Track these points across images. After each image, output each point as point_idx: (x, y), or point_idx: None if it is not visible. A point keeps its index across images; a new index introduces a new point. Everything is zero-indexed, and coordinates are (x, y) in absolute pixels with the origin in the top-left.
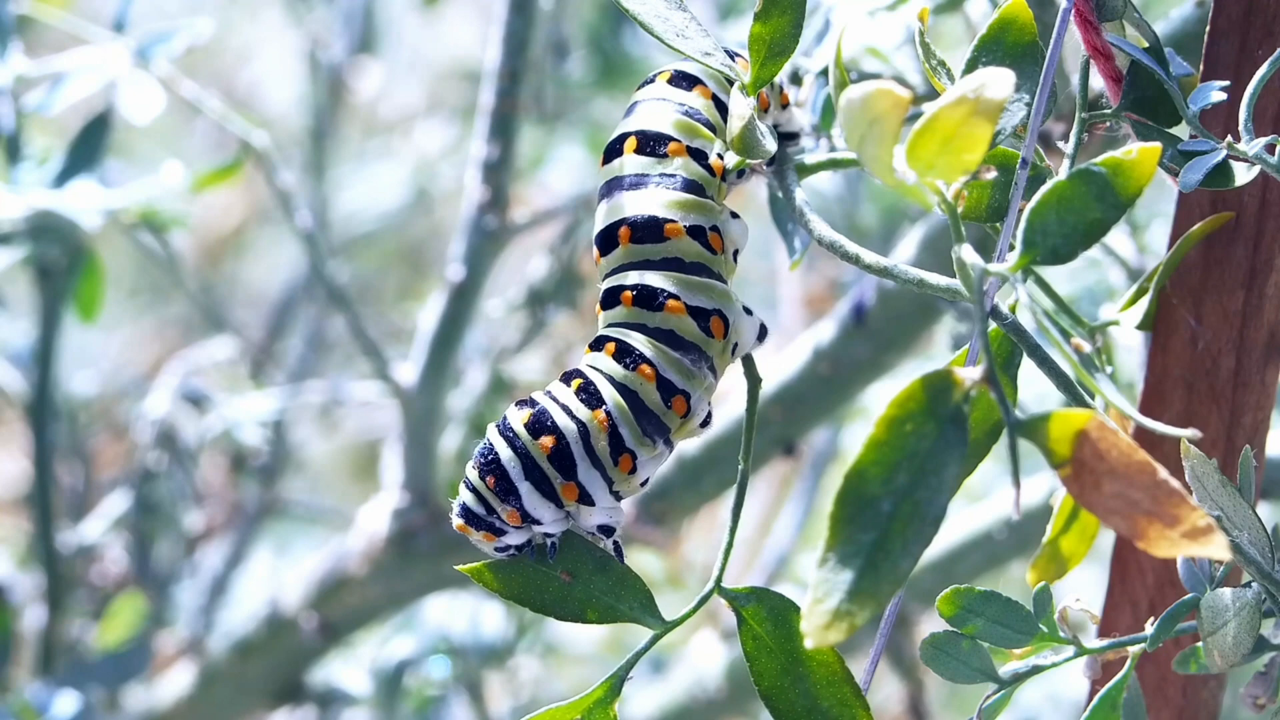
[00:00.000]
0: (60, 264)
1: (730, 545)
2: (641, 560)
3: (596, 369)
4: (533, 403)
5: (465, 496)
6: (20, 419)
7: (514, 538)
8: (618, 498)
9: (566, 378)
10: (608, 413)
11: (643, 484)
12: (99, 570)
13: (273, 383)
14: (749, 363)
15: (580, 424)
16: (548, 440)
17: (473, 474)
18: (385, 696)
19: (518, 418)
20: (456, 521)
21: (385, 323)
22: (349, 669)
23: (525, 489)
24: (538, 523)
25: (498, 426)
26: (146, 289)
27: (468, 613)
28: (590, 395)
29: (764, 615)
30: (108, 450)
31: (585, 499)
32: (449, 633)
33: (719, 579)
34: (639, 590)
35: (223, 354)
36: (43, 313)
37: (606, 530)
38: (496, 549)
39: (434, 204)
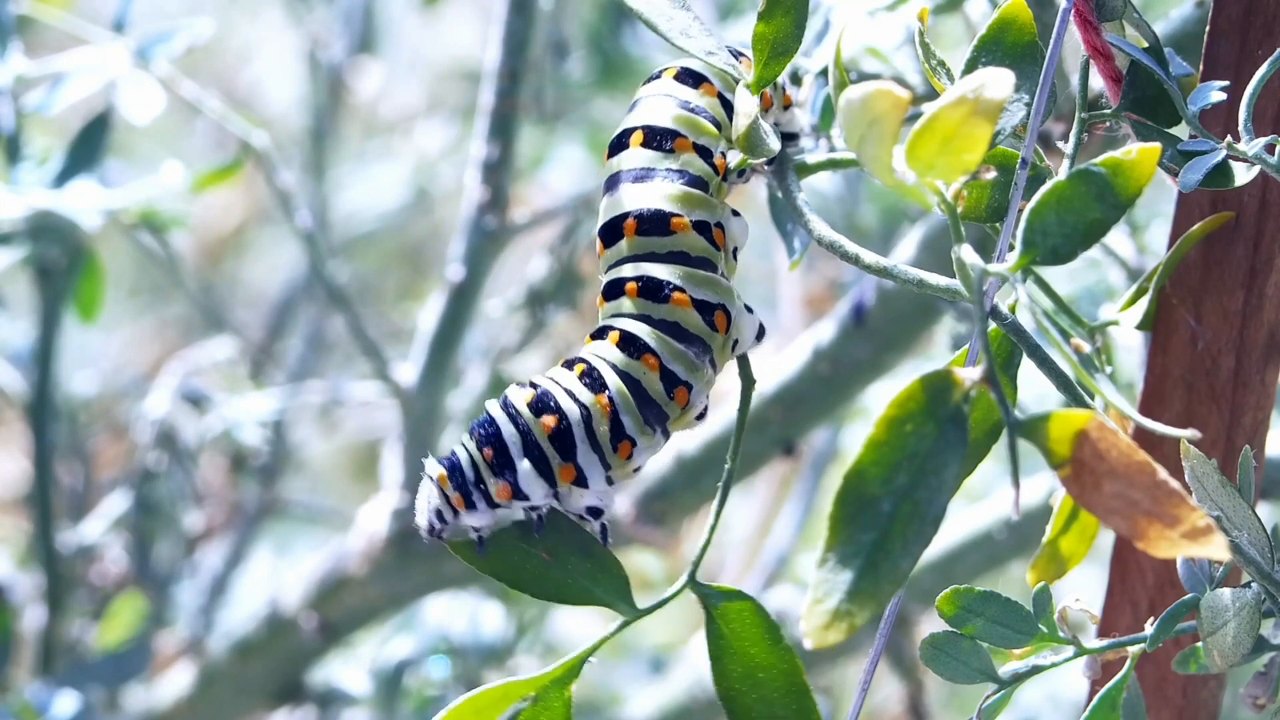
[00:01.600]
0: (60, 264)
1: (708, 541)
2: (641, 560)
3: (600, 356)
4: (535, 384)
5: (460, 457)
6: (20, 419)
7: (477, 519)
8: (610, 483)
9: (569, 363)
10: (610, 398)
11: (635, 470)
12: (99, 570)
13: (273, 383)
14: (744, 363)
15: (583, 407)
16: (550, 420)
17: (470, 443)
18: (385, 696)
19: (520, 396)
20: (438, 470)
21: (385, 323)
22: (349, 669)
23: (524, 467)
24: (526, 499)
25: (500, 402)
26: (146, 289)
27: (467, 613)
28: (594, 380)
29: (732, 617)
30: (108, 450)
31: (581, 481)
32: (449, 633)
33: (693, 574)
34: (616, 576)
35: (223, 354)
36: (43, 313)
37: (594, 512)
38: (440, 519)
39: (434, 204)
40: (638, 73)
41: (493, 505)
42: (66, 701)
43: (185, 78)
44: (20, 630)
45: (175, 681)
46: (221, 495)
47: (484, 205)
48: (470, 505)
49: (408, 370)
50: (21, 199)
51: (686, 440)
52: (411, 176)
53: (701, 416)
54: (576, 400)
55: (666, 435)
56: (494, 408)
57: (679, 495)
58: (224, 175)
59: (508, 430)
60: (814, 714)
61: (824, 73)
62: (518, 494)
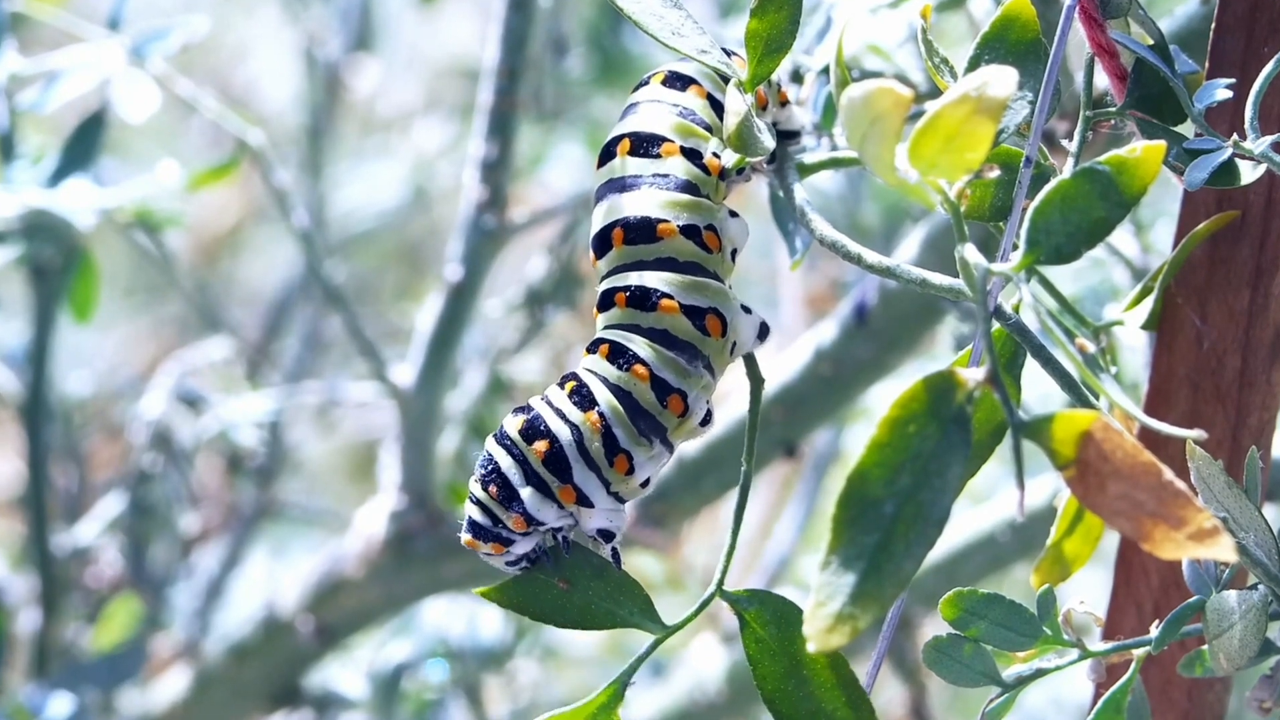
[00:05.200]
0: (55, 263)
1: (733, 548)
2: (642, 563)
3: (591, 371)
4: (527, 409)
5: (471, 510)
6: (14, 420)
7: (521, 546)
8: (618, 500)
9: (562, 381)
10: (600, 414)
11: (643, 485)
12: (94, 573)
13: (269, 383)
14: (751, 362)
15: (573, 427)
16: (541, 445)
17: (476, 487)
18: (382, 700)
19: (513, 425)
20: (465, 538)
21: (383, 323)
22: (346, 672)
23: (527, 493)
24: (541, 524)
25: (495, 436)
26: (142, 289)
27: (466, 615)
28: (583, 397)
29: (767, 618)
30: (102, 452)
31: (583, 501)
32: (447, 636)
33: (720, 582)
34: (638, 595)
35: (219, 354)
36: (37, 313)
37: (606, 535)
38: (507, 563)
39: (432, 203)
40: (638, 70)
41: (523, 533)
42: (61, 704)
43: (181, 75)
44: (15, 633)
45: (170, 685)
46: (217, 497)
47: (483, 204)
48: (507, 543)
49: (405, 371)
50: (16, 198)
51: (687, 441)
52: (409, 175)
53: (706, 423)
54: (567, 420)
55: (669, 446)
56: (491, 443)
57: (679, 497)
58: (220, 174)
59: (505, 462)
60: (865, 704)
61: (825, 70)
62: (531, 521)
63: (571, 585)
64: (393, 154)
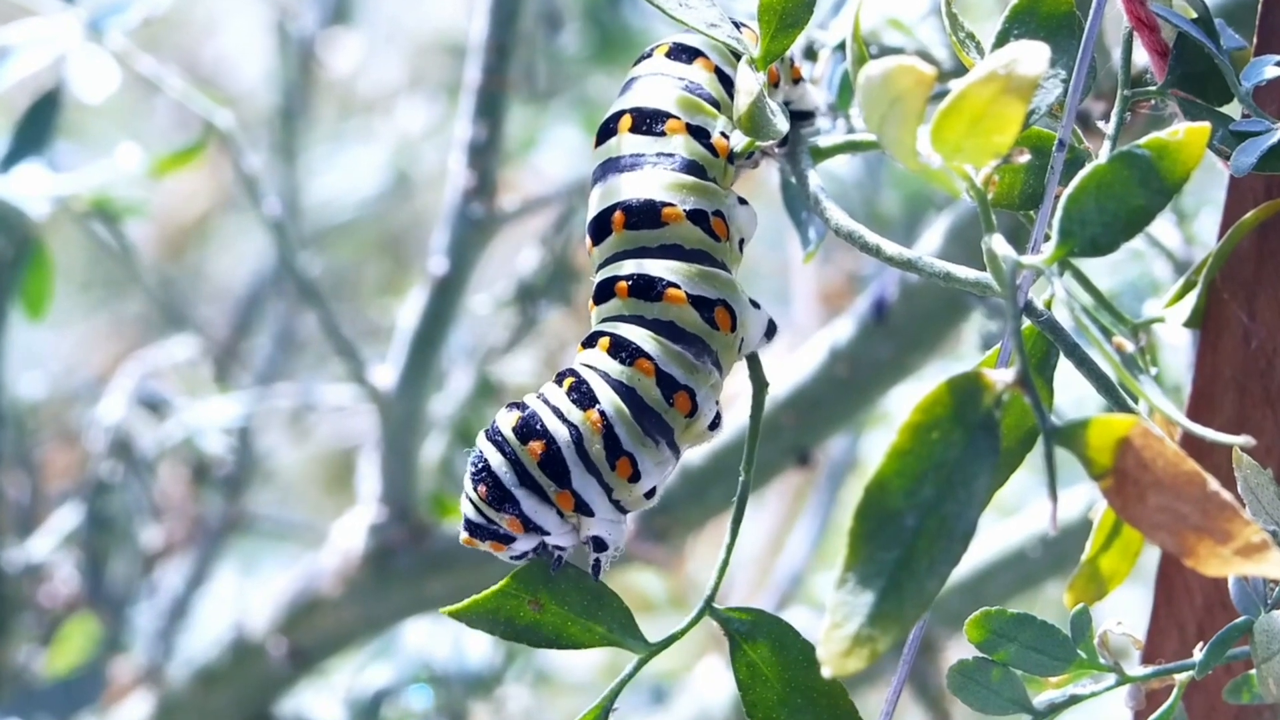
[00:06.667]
0: (5, 256)
1: (726, 561)
2: (643, 580)
3: (590, 366)
4: (522, 405)
5: (465, 508)
6: None
7: (525, 543)
8: (620, 509)
9: (559, 378)
10: (601, 413)
11: (648, 494)
12: (48, 591)
13: (238, 386)
14: (755, 364)
15: (572, 427)
16: (536, 446)
17: (468, 485)
18: None
19: (506, 422)
20: (462, 535)
21: (362, 320)
22: (321, 699)
23: (522, 495)
24: (543, 531)
25: (487, 432)
26: (100, 283)
27: (451, 637)
28: (583, 395)
29: (761, 640)
30: (58, 460)
31: (583, 508)
32: (430, 659)
33: (710, 598)
34: (616, 609)
35: (183, 354)
36: None
37: (599, 545)
38: (512, 558)
39: (415, 190)
40: (638, 46)
41: (524, 529)
42: None
43: (143, 52)
44: None
45: (132, 712)
46: (182, 509)
47: (470, 191)
48: (507, 539)
49: (386, 372)
50: None
51: (691, 449)
52: (391, 160)
53: (715, 426)
54: (565, 420)
55: (675, 450)
56: (482, 440)
57: (683, 509)
58: (186, 158)
59: (496, 460)
60: None
61: (841, 47)
62: (530, 526)
63: (544, 604)
64: (373, 137)
